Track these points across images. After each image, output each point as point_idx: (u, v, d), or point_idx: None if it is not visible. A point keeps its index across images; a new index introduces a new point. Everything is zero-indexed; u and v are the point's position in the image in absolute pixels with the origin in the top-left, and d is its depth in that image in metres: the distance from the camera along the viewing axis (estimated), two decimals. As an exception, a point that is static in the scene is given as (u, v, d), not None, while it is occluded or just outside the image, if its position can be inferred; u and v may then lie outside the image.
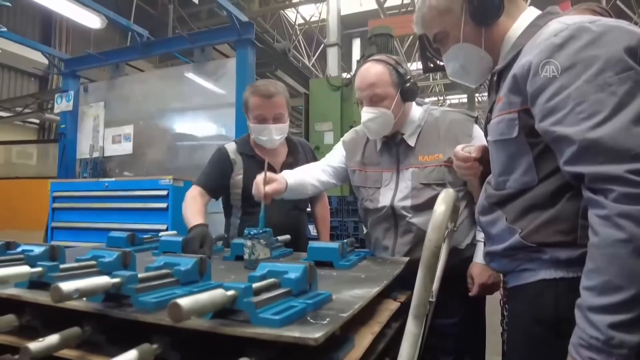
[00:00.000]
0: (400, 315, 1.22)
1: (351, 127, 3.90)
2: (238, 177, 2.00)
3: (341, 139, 1.91)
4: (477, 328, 1.71)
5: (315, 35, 13.62)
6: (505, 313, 2.57)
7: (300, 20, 13.14)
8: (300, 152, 2.13)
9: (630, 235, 0.75)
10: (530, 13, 1.09)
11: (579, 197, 0.89)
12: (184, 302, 0.63)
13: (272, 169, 2.02)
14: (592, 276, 0.80)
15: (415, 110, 1.70)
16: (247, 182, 1.99)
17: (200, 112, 3.41)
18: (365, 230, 2.57)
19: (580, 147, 0.81)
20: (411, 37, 11.99)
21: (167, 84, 3.53)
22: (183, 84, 3.46)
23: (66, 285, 0.76)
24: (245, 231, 1.41)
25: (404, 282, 1.31)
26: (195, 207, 1.92)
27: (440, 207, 0.85)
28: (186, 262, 1.01)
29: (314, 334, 0.67)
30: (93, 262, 1.11)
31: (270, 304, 0.78)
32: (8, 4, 2.55)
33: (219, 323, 0.74)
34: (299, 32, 13.83)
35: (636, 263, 0.75)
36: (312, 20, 12.97)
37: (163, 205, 2.90)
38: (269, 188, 1.58)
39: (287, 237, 1.81)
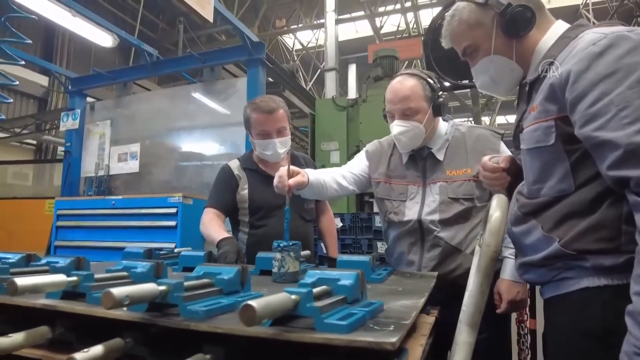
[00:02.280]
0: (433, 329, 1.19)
1: (357, 146, 3.95)
2: (244, 191, 2.00)
3: (364, 148, 1.90)
4: (503, 345, 1.68)
5: (312, 61, 13.87)
6: (522, 332, 2.53)
7: (297, 46, 13.39)
8: (303, 164, 2.13)
9: None
10: (560, 26, 1.11)
11: (620, 203, 0.89)
12: (257, 304, 0.60)
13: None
14: None
15: (442, 125, 1.71)
16: (253, 196, 2.00)
17: (208, 131, 3.40)
18: (384, 246, 2.53)
19: (626, 151, 0.81)
20: (406, 62, 12.27)
21: (175, 103, 3.54)
22: (191, 103, 3.47)
23: (117, 291, 0.72)
24: (275, 243, 1.37)
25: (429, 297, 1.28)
26: (216, 224, 1.94)
27: (496, 212, 0.84)
28: (228, 271, 0.98)
29: (389, 338, 0.64)
30: (125, 273, 1.07)
31: (331, 310, 0.75)
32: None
33: (280, 330, 0.70)
34: (296, 58, 14.07)
35: None
36: (309, 45, 13.22)
37: (172, 223, 2.85)
38: (292, 180, 1.54)
39: (308, 252, 1.78)
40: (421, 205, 1.66)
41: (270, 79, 3.45)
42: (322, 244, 2.56)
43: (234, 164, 2.07)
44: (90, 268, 1.24)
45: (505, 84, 1.20)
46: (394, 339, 0.63)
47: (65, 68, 6.20)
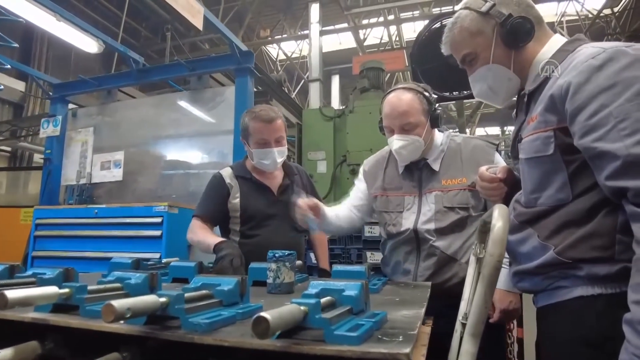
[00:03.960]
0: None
1: (344, 156, 3.96)
2: (235, 200, 1.98)
3: (361, 167, 1.92)
4: (498, 356, 1.69)
5: (296, 71, 13.94)
6: (508, 341, 2.55)
7: (281, 56, 13.44)
8: (297, 174, 2.13)
9: None
10: (558, 39, 1.14)
11: (616, 213, 0.91)
12: (270, 316, 0.59)
13: (269, 190, 2.01)
14: None
15: (438, 136, 1.73)
16: (244, 205, 1.98)
17: (194, 140, 3.36)
18: (373, 255, 2.52)
19: (624, 162, 0.83)
20: (388, 74, 12.45)
21: (161, 111, 3.48)
22: (177, 111, 3.42)
23: (119, 303, 0.69)
24: (269, 254, 1.35)
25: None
26: (206, 230, 1.92)
27: (499, 222, 0.84)
28: (227, 282, 0.96)
29: (402, 349, 0.63)
30: (119, 285, 1.04)
31: (339, 321, 0.73)
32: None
33: (290, 342, 0.69)
34: (280, 68, 14.11)
35: None
36: (293, 56, 13.29)
37: (157, 232, 2.78)
38: (309, 202, 1.62)
39: (300, 262, 1.77)
40: (417, 214, 1.67)
41: (259, 88, 3.44)
42: (311, 254, 2.55)
43: (226, 172, 2.05)
44: (79, 279, 1.19)
45: (502, 93, 1.22)
46: (407, 350, 0.62)
47: (43, 71, 6.05)
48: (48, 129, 3.49)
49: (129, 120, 3.53)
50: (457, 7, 1.28)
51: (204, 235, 1.88)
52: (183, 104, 3.42)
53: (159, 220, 2.79)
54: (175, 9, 2.22)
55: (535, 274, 1.05)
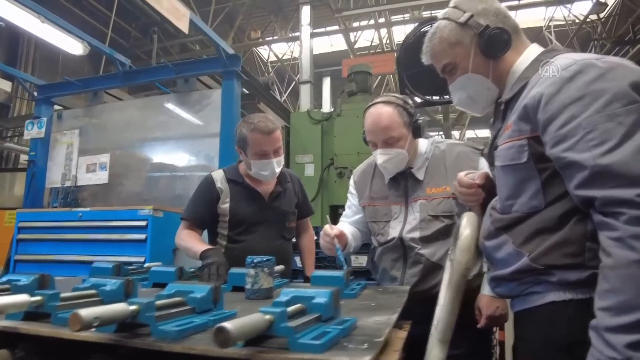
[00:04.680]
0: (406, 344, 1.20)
1: (332, 160, 3.98)
2: (225, 205, 1.97)
3: (352, 180, 1.94)
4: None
5: (287, 73, 13.94)
6: (491, 343, 2.58)
7: (272, 58, 13.43)
8: (289, 181, 2.13)
9: None
10: (534, 49, 1.17)
11: (585, 220, 0.93)
12: (231, 326, 0.60)
13: (260, 196, 2.01)
14: (608, 296, 0.82)
15: (422, 144, 1.75)
16: (234, 210, 1.97)
17: (181, 143, 3.35)
18: (357, 259, 2.55)
19: (592, 172, 0.86)
20: (379, 77, 12.51)
21: (148, 113, 3.47)
22: (164, 113, 3.41)
23: (86, 312, 0.70)
24: (248, 259, 1.36)
25: (404, 312, 1.30)
26: (194, 237, 1.92)
27: (466, 230, 0.86)
28: (200, 289, 0.97)
29: (363, 357, 0.64)
30: (94, 291, 1.04)
31: (305, 329, 0.75)
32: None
33: (254, 350, 0.70)
34: (271, 69, 14.10)
35: None
36: (284, 58, 13.29)
37: (142, 236, 2.77)
38: (336, 229, 1.65)
39: (282, 267, 1.77)
40: (403, 223, 1.70)
41: (245, 91, 3.44)
42: (296, 258, 2.56)
43: (218, 175, 2.03)
44: (55, 286, 1.19)
45: (481, 101, 1.25)
46: (368, 358, 0.64)
47: (30, 74, 5.98)
48: (32, 131, 3.46)
49: (115, 123, 3.51)
50: (438, 16, 1.30)
51: (191, 241, 1.88)
52: (170, 106, 3.41)
53: (143, 223, 2.77)
54: (161, 13, 2.21)
55: (511, 280, 1.07)
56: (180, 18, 2.35)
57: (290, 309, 0.79)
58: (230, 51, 3.05)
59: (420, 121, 1.69)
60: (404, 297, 1.34)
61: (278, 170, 1.96)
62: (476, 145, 1.77)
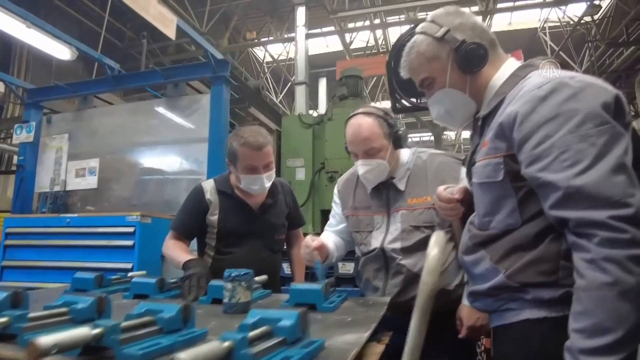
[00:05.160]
0: (383, 357, 1.20)
1: (323, 164, 3.98)
2: (213, 217, 1.96)
3: (335, 189, 1.94)
4: None
5: (283, 74, 13.93)
6: (478, 350, 2.58)
7: (268, 59, 13.41)
8: (280, 192, 2.11)
9: (615, 278, 0.79)
10: (511, 64, 1.18)
11: (560, 239, 0.94)
12: (185, 356, 0.60)
13: (249, 209, 2.00)
14: (581, 319, 0.83)
15: (404, 154, 1.76)
16: (223, 222, 1.96)
17: (171, 148, 3.34)
18: (345, 266, 2.55)
19: (565, 193, 0.87)
20: (375, 78, 12.52)
21: (137, 118, 3.46)
22: (154, 118, 3.40)
23: (44, 340, 0.70)
24: (226, 273, 1.36)
25: (386, 322, 1.30)
26: (179, 247, 1.92)
27: (434, 250, 0.86)
28: (170, 308, 0.96)
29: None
30: (65, 310, 1.03)
31: (267, 355, 0.75)
32: None
33: (213, 378, 0.70)
34: (267, 70, 14.09)
35: (623, 305, 0.79)
36: (280, 58, 13.27)
37: (129, 242, 2.76)
38: (317, 242, 1.64)
39: (264, 277, 1.77)
40: (385, 233, 1.70)
41: (235, 95, 3.44)
42: (284, 265, 2.55)
43: (208, 186, 2.02)
44: (30, 303, 1.18)
45: (459, 116, 1.24)
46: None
47: (23, 78, 5.95)
48: (21, 135, 3.45)
49: (104, 127, 3.50)
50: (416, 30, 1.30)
51: (176, 251, 1.88)
52: (159, 111, 3.40)
53: (131, 230, 2.77)
54: (147, 19, 2.21)
55: (488, 296, 1.08)
56: (168, 25, 2.34)
57: (253, 333, 0.79)
58: (219, 56, 3.05)
59: (401, 132, 1.69)
60: (381, 311, 1.34)
61: (268, 184, 1.94)
62: (458, 155, 1.78)
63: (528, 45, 11.70)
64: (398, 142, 1.68)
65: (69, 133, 3.52)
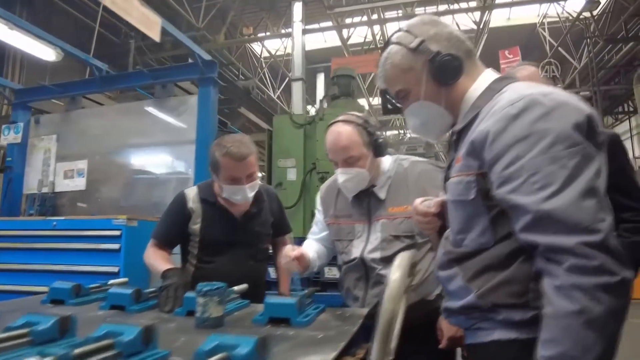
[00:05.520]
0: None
1: (314, 164, 3.95)
2: (195, 226, 1.93)
3: (318, 195, 1.93)
4: None
5: (280, 69, 13.86)
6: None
7: (265, 54, 13.34)
8: (265, 201, 2.08)
9: (582, 307, 0.78)
10: (488, 75, 1.15)
11: (530, 261, 0.92)
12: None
13: (233, 217, 1.98)
14: (548, 346, 0.81)
15: (386, 161, 1.74)
16: (205, 232, 1.93)
17: (159, 149, 3.32)
18: (331, 270, 2.54)
19: (534, 217, 0.85)
20: (372, 74, 12.46)
21: (126, 118, 3.43)
22: (143, 119, 3.37)
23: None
24: (198, 287, 1.34)
25: (367, 331, 1.29)
26: (160, 254, 1.90)
27: (395, 274, 0.85)
28: (130, 331, 0.95)
29: None
30: (25, 331, 1.02)
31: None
32: None
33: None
34: (264, 65, 14.02)
35: (588, 335, 0.77)
36: (277, 53, 13.20)
37: (115, 246, 2.75)
38: (297, 251, 1.63)
39: (244, 286, 1.76)
40: (365, 243, 1.69)
41: (222, 96, 3.41)
42: (270, 269, 2.54)
43: (191, 194, 1.99)
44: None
45: (435, 128, 1.22)
46: None
47: (17, 80, 5.90)
48: (9, 136, 3.42)
49: (93, 128, 3.47)
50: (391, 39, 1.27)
51: (156, 259, 1.86)
52: (148, 112, 3.37)
53: (117, 233, 2.75)
54: (130, 23, 2.17)
55: (460, 313, 1.07)
56: (152, 27, 2.30)
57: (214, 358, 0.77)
58: (207, 57, 3.02)
59: (381, 140, 1.67)
60: (356, 325, 1.33)
61: (251, 195, 1.91)
62: (439, 163, 1.76)
63: (527, 40, 11.63)
64: (378, 150, 1.67)
65: (57, 134, 3.49)
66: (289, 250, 1.65)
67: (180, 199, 1.97)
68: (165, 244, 1.95)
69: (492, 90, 1.08)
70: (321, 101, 4.03)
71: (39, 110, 3.70)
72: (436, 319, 1.58)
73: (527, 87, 1.00)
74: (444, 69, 1.11)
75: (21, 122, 3.47)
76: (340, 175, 1.67)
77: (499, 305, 0.96)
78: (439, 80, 1.13)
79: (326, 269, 2.84)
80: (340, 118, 1.71)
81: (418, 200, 1.33)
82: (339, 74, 4.13)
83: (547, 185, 0.84)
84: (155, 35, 2.38)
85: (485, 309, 0.98)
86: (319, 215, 1.91)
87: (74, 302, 1.65)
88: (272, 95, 15.08)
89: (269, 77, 14.64)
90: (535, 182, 0.86)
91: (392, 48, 1.21)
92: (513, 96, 0.97)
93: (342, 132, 1.64)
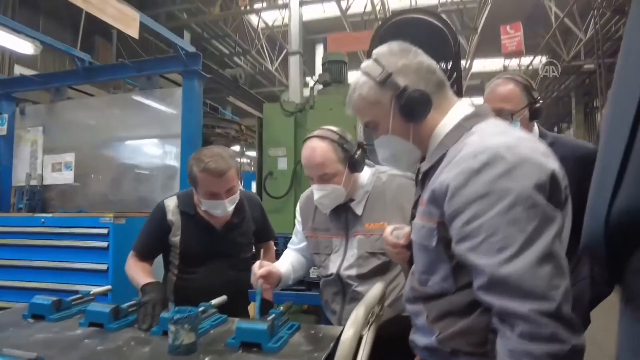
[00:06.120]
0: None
1: (305, 153, 3.90)
2: (175, 238, 1.93)
3: (298, 205, 1.92)
4: None
5: (278, 40, 13.52)
6: None
7: (262, 25, 13.00)
8: (247, 211, 2.06)
9: None
10: (459, 109, 1.11)
11: (489, 312, 0.92)
12: None
13: (213, 229, 1.97)
14: None
15: (365, 174, 1.72)
16: (185, 244, 1.93)
17: (146, 142, 3.28)
18: (316, 271, 2.57)
19: (490, 280, 0.85)
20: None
21: (112, 110, 3.37)
22: (129, 112, 3.31)
23: None
24: (170, 313, 1.36)
25: None
26: (140, 267, 1.90)
27: (349, 331, 0.84)
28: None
29: None
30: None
31: None
32: None
33: None
34: (262, 36, 13.68)
35: None
36: (275, 25, 12.86)
37: (104, 244, 2.77)
38: (262, 270, 1.63)
39: (223, 298, 1.78)
40: (342, 258, 1.69)
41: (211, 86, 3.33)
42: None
43: (171, 205, 1.96)
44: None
45: (404, 162, 1.20)
46: None
47: (6, 70, 5.76)
48: (-5, 128, 3.39)
49: (78, 120, 3.42)
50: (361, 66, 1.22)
51: (136, 272, 1.87)
52: (135, 104, 3.31)
53: (105, 231, 2.76)
54: (106, 21, 2.08)
55: (424, 351, 1.08)
56: (130, 23, 2.21)
57: None
58: (191, 49, 2.93)
59: (357, 156, 1.65)
60: (327, 349, 1.35)
61: (231, 208, 1.89)
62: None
63: (532, 11, 11.25)
64: (354, 166, 1.65)
65: (43, 126, 3.45)
66: (256, 268, 1.65)
67: (160, 211, 1.95)
68: (145, 256, 1.96)
69: (461, 128, 1.05)
70: (311, 88, 3.94)
71: (25, 101, 3.64)
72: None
73: (493, 133, 0.97)
74: (411, 106, 1.07)
75: (6, 114, 3.42)
76: (316, 192, 1.66)
77: (459, 351, 0.97)
78: (406, 117, 1.09)
79: (311, 269, 2.85)
80: (316, 133, 1.68)
81: (388, 230, 1.33)
82: (330, 59, 4.02)
83: (504, 248, 0.83)
84: (133, 32, 2.29)
85: (446, 353, 1.00)
86: (298, 226, 1.91)
87: (54, 318, 1.67)
88: (270, 67, 14.79)
89: (266, 48, 14.32)
90: (493, 244, 0.85)
91: (360, 79, 1.17)
92: (477, 147, 0.93)
93: (316, 148, 1.62)
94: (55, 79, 3.42)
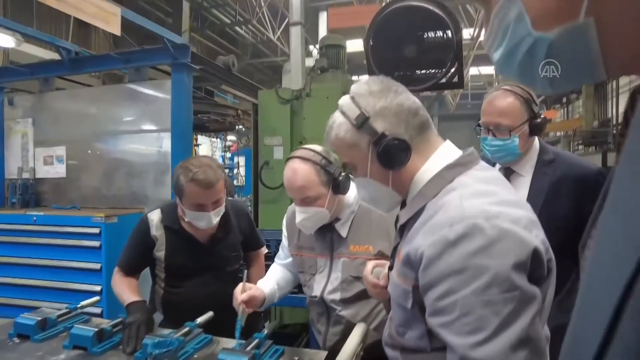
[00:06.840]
0: None
1: (301, 142, 3.82)
2: (160, 253, 1.91)
3: (284, 220, 1.88)
4: None
5: (280, 9, 13.08)
6: None
7: (263, -8, 12.56)
8: (234, 223, 2.02)
9: None
10: (441, 155, 1.04)
11: None
12: None
13: (198, 243, 1.93)
14: None
15: (350, 193, 1.66)
16: (169, 259, 1.91)
17: (136, 136, 3.20)
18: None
19: None
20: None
21: (102, 102, 3.28)
22: (119, 104, 3.22)
23: None
24: (149, 349, 1.35)
25: None
26: (126, 283, 1.88)
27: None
28: None
29: None
30: None
31: None
32: None
33: None
34: (263, 4, 13.24)
35: None
36: (276, -8, 12.42)
37: (96, 243, 2.76)
38: (244, 294, 1.64)
39: (209, 315, 1.77)
40: (326, 280, 1.68)
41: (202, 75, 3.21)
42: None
43: (155, 219, 1.92)
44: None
45: (384, 204, 1.15)
46: None
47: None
48: (-17, 119, 3.31)
49: (68, 112, 3.33)
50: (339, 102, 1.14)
51: (122, 289, 1.85)
52: (125, 96, 3.21)
53: (97, 231, 2.75)
54: (85, 20, 1.96)
55: None
56: (110, 20, 2.08)
57: None
58: (179, 40, 2.80)
59: (341, 178, 1.59)
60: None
61: (216, 220, 1.85)
62: None
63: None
64: (338, 189, 1.59)
65: (33, 118, 3.37)
66: (238, 293, 1.64)
67: (144, 226, 1.92)
68: (130, 272, 1.95)
69: (442, 179, 0.98)
70: (308, 75, 3.80)
71: (16, 91, 3.54)
72: None
73: (473, 194, 0.90)
74: (389, 154, 1.00)
75: (-6, 105, 3.34)
76: (299, 214, 1.62)
77: None
78: (384, 165, 1.02)
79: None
80: (298, 154, 1.61)
81: (369, 267, 1.32)
82: (327, 43, 3.85)
83: (477, 330, 0.79)
84: (114, 29, 2.16)
85: None
86: (284, 241, 1.88)
87: (38, 339, 1.67)
88: (272, 37, 14.39)
89: (268, 17, 13.88)
90: (466, 324, 0.80)
91: (337, 118, 1.10)
92: (454, 213, 0.86)
93: (298, 170, 1.57)
94: (41, 69, 3.31)
